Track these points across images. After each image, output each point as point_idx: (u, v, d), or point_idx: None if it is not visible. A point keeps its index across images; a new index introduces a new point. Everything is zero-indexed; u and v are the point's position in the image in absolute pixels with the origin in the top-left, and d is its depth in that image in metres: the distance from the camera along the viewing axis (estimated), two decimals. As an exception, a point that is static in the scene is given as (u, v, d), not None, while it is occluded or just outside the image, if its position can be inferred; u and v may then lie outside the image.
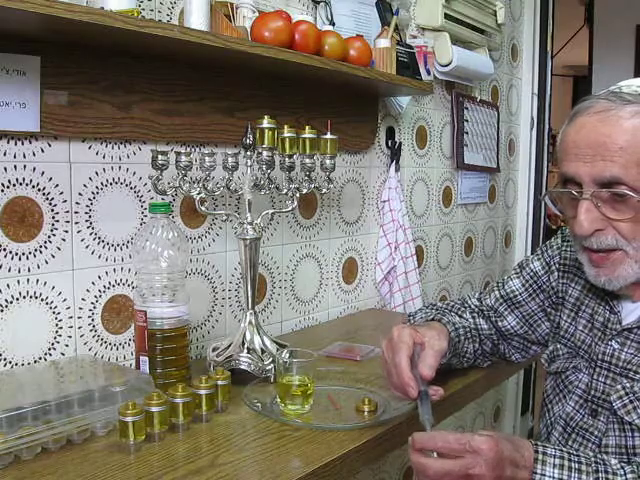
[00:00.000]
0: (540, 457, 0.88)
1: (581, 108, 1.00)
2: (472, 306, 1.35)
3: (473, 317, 1.32)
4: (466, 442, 0.84)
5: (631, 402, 1.00)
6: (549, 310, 1.24)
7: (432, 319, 1.25)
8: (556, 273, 1.22)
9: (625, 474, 0.88)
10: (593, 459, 0.90)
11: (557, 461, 0.88)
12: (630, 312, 1.05)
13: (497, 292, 1.31)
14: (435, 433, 0.87)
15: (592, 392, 1.06)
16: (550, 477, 0.86)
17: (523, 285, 1.27)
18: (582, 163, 0.96)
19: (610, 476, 0.87)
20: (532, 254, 1.31)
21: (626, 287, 1.02)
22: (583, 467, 0.88)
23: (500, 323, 1.30)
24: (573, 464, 0.88)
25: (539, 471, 0.87)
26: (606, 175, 0.94)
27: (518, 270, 1.30)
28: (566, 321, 1.17)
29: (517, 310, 1.28)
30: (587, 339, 1.11)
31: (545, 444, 0.91)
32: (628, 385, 1.01)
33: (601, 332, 1.08)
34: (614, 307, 1.06)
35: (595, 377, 1.06)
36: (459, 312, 1.33)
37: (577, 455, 0.90)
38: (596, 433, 1.04)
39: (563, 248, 1.22)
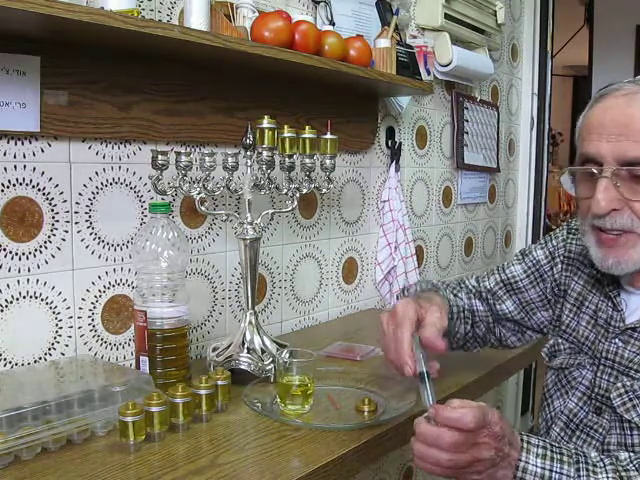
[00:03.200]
0: (525, 445, 0.89)
1: (607, 91, 1.01)
2: (469, 287, 1.33)
3: (469, 298, 1.30)
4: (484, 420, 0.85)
5: (630, 400, 1.00)
6: (549, 298, 1.23)
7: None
8: (560, 265, 1.21)
9: (605, 466, 0.89)
10: (574, 451, 0.91)
11: (540, 451, 0.89)
12: (633, 311, 1.05)
13: (497, 275, 1.29)
14: (459, 415, 0.83)
15: (595, 389, 1.06)
16: (534, 465, 0.88)
17: (525, 272, 1.25)
18: (606, 142, 0.97)
19: (590, 467, 0.88)
20: (535, 243, 1.29)
21: (630, 273, 1.01)
22: (565, 458, 0.89)
23: (498, 306, 1.28)
24: (555, 455, 0.89)
25: (523, 459, 0.88)
26: (629, 154, 0.95)
27: (520, 257, 1.28)
28: (568, 315, 1.17)
29: (516, 296, 1.27)
30: (590, 336, 1.11)
31: (529, 434, 0.91)
32: (628, 383, 1.01)
33: (604, 329, 1.08)
34: (617, 305, 1.06)
35: (599, 374, 1.06)
36: (454, 291, 1.31)
37: (559, 447, 0.91)
38: (600, 430, 1.04)
39: (569, 240, 1.21)
